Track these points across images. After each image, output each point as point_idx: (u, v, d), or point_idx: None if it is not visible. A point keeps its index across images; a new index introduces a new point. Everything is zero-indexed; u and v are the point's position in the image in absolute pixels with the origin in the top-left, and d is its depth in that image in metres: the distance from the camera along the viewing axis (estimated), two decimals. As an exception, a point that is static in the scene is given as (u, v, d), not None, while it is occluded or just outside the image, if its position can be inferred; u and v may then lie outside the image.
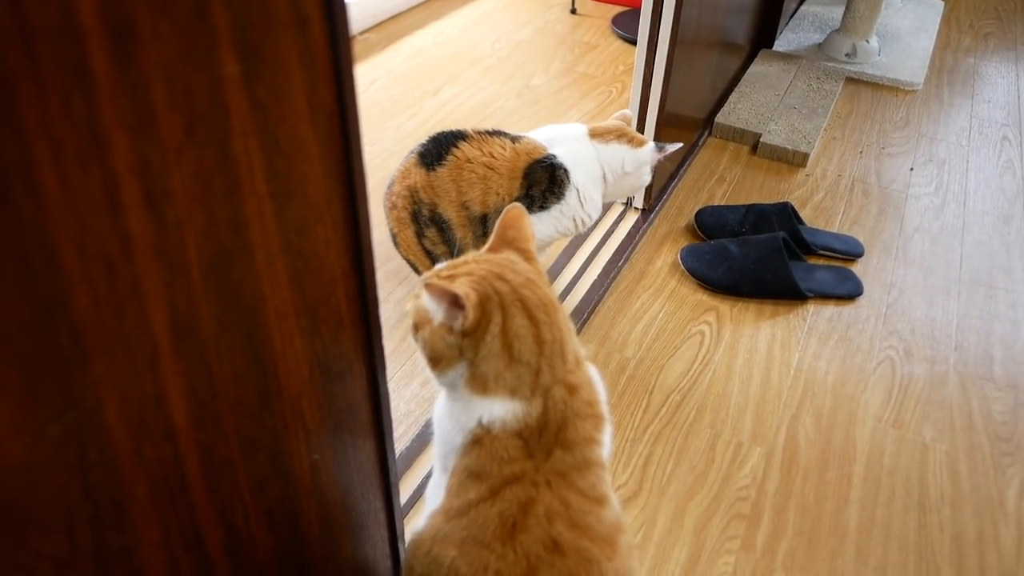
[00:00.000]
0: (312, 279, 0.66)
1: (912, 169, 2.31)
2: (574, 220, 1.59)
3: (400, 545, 1.03)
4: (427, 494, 0.99)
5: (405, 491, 1.33)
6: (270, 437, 0.68)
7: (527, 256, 0.91)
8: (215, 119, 0.50)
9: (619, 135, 1.60)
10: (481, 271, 0.85)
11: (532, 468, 0.79)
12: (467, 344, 0.82)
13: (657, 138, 1.95)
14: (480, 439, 0.81)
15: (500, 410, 0.81)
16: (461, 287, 0.81)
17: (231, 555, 0.68)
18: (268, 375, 0.65)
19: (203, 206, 0.52)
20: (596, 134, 1.61)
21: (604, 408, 0.87)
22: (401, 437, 1.43)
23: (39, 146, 0.41)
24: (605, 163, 1.59)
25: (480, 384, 0.82)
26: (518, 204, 0.93)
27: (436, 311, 0.83)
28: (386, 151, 2.23)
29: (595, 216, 1.62)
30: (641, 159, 1.62)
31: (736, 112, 2.42)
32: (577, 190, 1.56)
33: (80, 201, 0.44)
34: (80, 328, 0.46)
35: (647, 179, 1.67)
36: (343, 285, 0.71)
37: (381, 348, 0.81)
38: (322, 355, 0.72)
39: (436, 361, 0.84)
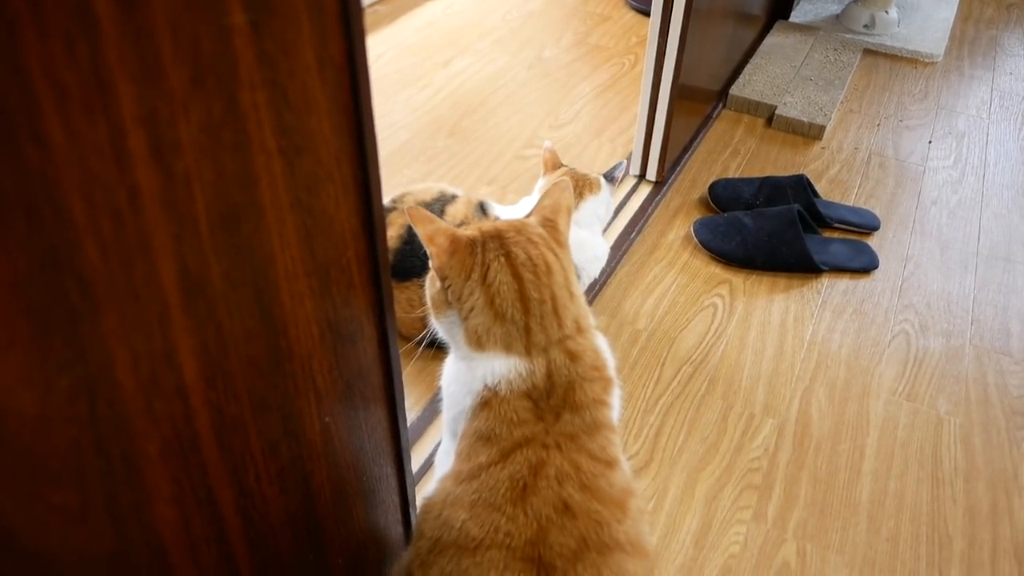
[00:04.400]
0: (322, 239, 0.66)
1: (930, 142, 2.28)
2: (592, 276, 1.59)
3: (412, 511, 1.03)
4: (436, 461, 1.00)
5: (415, 461, 1.33)
6: (281, 398, 0.68)
7: (547, 224, 0.91)
8: (222, 70, 0.50)
9: (579, 191, 1.55)
10: (485, 227, 0.87)
11: (542, 431, 0.79)
12: (451, 293, 0.86)
13: (671, 111, 1.92)
14: (488, 401, 0.81)
15: (502, 368, 0.82)
16: (437, 232, 0.85)
17: (243, 515, 0.68)
18: (279, 335, 0.65)
19: (211, 160, 0.51)
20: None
21: (612, 372, 0.87)
22: (412, 408, 1.43)
23: (44, 92, 0.40)
24: (587, 221, 1.56)
25: (475, 339, 0.85)
26: (565, 178, 0.94)
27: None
28: (396, 123, 2.22)
29: (605, 252, 1.61)
30: (608, 200, 1.60)
31: (751, 84, 2.39)
32: (583, 269, 1.54)
33: (86, 150, 0.43)
34: (89, 280, 0.46)
35: (612, 207, 1.67)
36: (353, 246, 0.71)
37: (392, 312, 0.81)
38: (332, 317, 0.71)
39: (432, 305, 0.90)
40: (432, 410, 1.42)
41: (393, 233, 1.47)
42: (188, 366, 0.56)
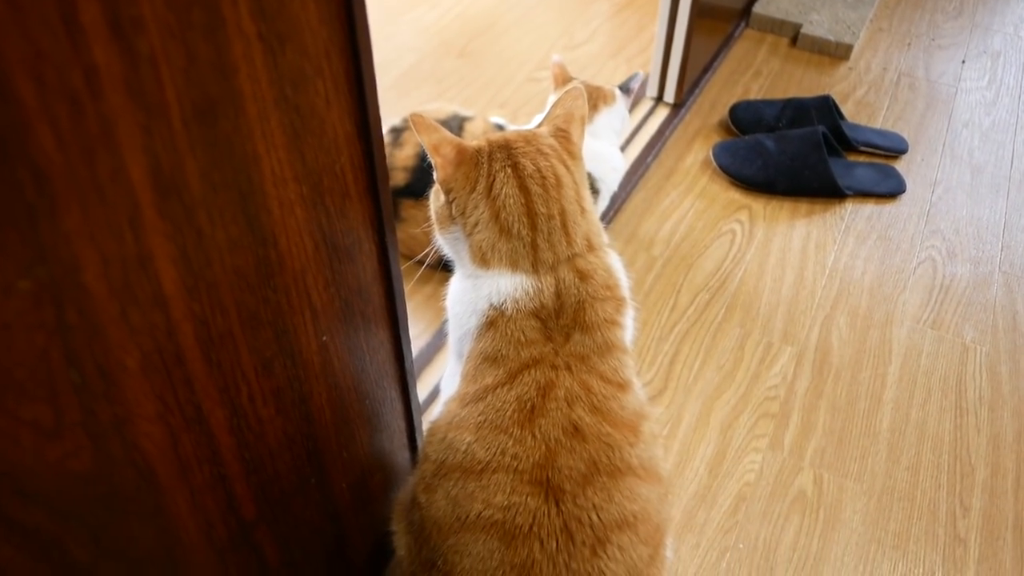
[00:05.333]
0: (312, 142, 0.61)
1: (964, 62, 2.16)
2: (612, 188, 1.53)
3: (418, 436, 1.01)
4: (442, 384, 0.96)
5: (425, 388, 1.30)
6: (274, 313, 0.64)
7: (559, 133, 0.85)
8: (187, -64, 0.44)
9: (593, 103, 1.48)
10: (493, 137, 0.82)
11: (551, 351, 0.75)
12: (455, 207, 0.81)
13: (690, 30, 1.83)
14: (494, 321, 0.77)
15: (508, 286, 0.77)
16: (442, 142, 0.80)
17: (237, 435, 0.65)
18: (268, 245, 0.60)
19: (180, 42, 0.46)
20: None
21: (625, 292, 0.82)
22: (421, 334, 1.40)
23: (-26, -53, 0.35)
24: (603, 134, 1.49)
25: (479, 256, 0.80)
26: (579, 85, 0.88)
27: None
28: (403, 45, 2.13)
29: (622, 163, 1.55)
30: (623, 112, 1.52)
31: (775, 1, 2.27)
32: (602, 180, 1.48)
33: (31, 22, 0.38)
34: (45, 171, 0.41)
35: (628, 120, 1.59)
36: (348, 152, 0.66)
37: (393, 226, 0.76)
38: (327, 228, 0.67)
39: (436, 220, 0.86)
40: (442, 336, 1.38)
41: (409, 152, 1.41)
42: (166, 274, 0.52)
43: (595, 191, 1.47)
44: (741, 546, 1.14)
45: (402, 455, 0.99)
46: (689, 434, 1.27)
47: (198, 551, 0.65)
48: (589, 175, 1.42)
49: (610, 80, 2.02)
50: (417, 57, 2.10)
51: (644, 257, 1.57)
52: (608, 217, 1.64)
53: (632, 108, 1.92)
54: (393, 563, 0.99)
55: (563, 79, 1.48)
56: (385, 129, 1.48)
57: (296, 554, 0.81)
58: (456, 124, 1.46)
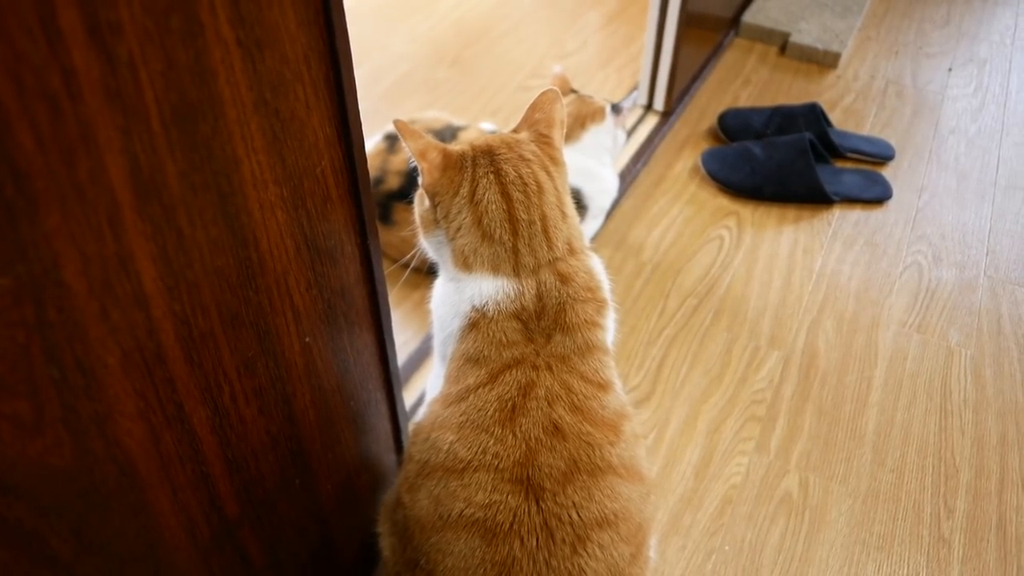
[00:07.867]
0: (292, 145, 0.62)
1: (951, 70, 2.19)
2: (603, 208, 1.55)
3: (404, 438, 1.01)
4: (427, 387, 0.97)
5: (415, 392, 1.31)
6: (255, 314, 0.65)
7: (541, 139, 0.86)
8: (164, -57, 0.45)
9: (581, 120, 1.49)
10: (476, 143, 0.83)
11: (532, 352, 0.76)
12: (439, 211, 0.82)
13: (679, 39, 1.85)
14: (476, 323, 0.78)
15: (489, 288, 0.78)
16: (428, 147, 0.81)
17: (219, 434, 0.66)
18: (248, 246, 0.62)
19: (159, 47, 0.48)
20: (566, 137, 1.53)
21: (606, 294, 0.84)
22: (411, 339, 1.41)
23: (-46, -46, 0.36)
24: (592, 152, 1.50)
25: (462, 260, 0.81)
26: (554, 88, 0.89)
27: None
28: (397, 54, 2.15)
29: (615, 185, 1.57)
30: (611, 130, 1.53)
31: (765, 10, 2.29)
32: (590, 199, 1.50)
33: (9, 22, 0.39)
34: (24, 171, 0.42)
35: (623, 139, 1.60)
36: (328, 156, 0.67)
37: (375, 229, 0.77)
38: (309, 231, 0.68)
39: (421, 224, 0.87)
40: (430, 341, 1.39)
41: (404, 157, 1.44)
42: (147, 273, 0.53)
43: (581, 207, 1.48)
44: (727, 548, 1.15)
45: (388, 457, 1.00)
46: (676, 437, 1.28)
47: (181, 549, 0.66)
48: (576, 191, 1.44)
49: (600, 90, 2.04)
50: (410, 65, 2.12)
51: (633, 263, 1.58)
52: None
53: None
54: (380, 567, 0.99)
55: (564, 91, 1.49)
56: (381, 136, 1.50)
57: (281, 555, 0.82)
58: (450, 134, 1.48)
